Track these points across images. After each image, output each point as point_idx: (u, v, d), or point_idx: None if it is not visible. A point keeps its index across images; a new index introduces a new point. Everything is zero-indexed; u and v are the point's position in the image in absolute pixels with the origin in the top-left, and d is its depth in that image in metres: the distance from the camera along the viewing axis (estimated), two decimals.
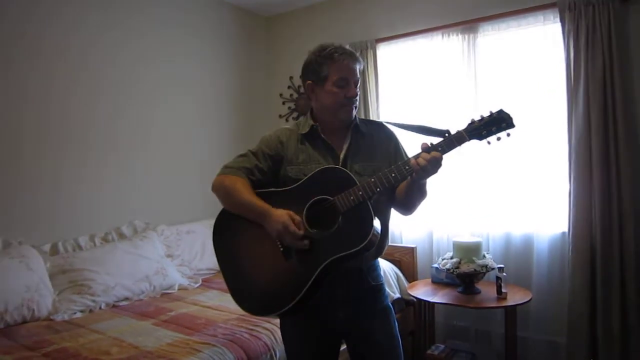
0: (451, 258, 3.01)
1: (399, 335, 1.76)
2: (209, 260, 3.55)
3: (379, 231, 1.57)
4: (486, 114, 1.53)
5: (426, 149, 1.53)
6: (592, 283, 2.87)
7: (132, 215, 3.43)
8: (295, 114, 4.36)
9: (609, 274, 2.82)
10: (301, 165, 1.69)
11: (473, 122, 1.54)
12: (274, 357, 2.29)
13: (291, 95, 4.39)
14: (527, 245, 3.21)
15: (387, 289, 1.83)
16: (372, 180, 1.53)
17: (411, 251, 3.50)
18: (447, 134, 1.55)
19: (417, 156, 1.53)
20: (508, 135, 1.53)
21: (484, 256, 2.97)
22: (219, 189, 1.72)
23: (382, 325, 1.73)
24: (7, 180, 2.84)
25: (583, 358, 2.87)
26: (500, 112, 1.53)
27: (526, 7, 3.11)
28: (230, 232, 1.73)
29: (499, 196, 3.29)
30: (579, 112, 2.90)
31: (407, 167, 1.53)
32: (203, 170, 3.86)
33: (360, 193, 1.52)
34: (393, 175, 1.53)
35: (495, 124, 1.52)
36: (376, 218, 1.55)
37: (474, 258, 2.92)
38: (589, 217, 2.88)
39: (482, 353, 3.25)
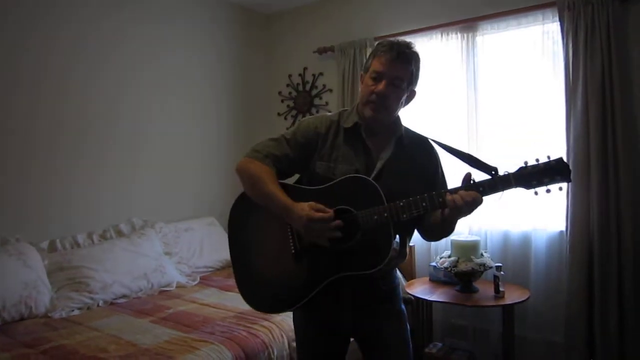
0: (449, 257, 3.01)
1: (409, 339, 1.71)
2: (208, 258, 3.55)
3: (398, 249, 1.52)
4: (542, 159, 1.41)
5: (465, 186, 1.44)
6: (590, 282, 2.88)
7: (130, 212, 3.42)
8: (294, 112, 4.35)
9: (607, 272, 2.82)
10: (331, 163, 1.60)
11: (525, 166, 1.42)
12: (272, 355, 2.30)
13: (290, 93, 4.38)
14: (525, 244, 3.21)
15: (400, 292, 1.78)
16: (401, 205, 1.46)
17: (409, 250, 3.49)
18: (493, 172, 1.44)
19: (454, 191, 1.44)
20: (560, 189, 1.40)
21: (482, 255, 2.97)
22: (244, 173, 1.62)
23: (394, 329, 1.68)
24: (5, 178, 2.84)
25: (580, 357, 2.88)
26: (560, 161, 1.39)
27: (525, 6, 3.10)
28: (246, 220, 1.69)
29: (497, 195, 3.28)
30: (577, 111, 2.91)
31: (440, 200, 1.44)
32: (202, 168, 3.89)
33: (386, 215, 1.46)
34: (424, 204, 1.45)
35: (549, 174, 1.39)
36: (397, 237, 1.50)
37: (472, 257, 2.92)
38: (587, 216, 2.88)
39: (480, 351, 3.26)
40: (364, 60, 1.65)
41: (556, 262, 3.09)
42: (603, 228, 2.83)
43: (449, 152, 1.60)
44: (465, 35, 3.39)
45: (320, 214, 1.47)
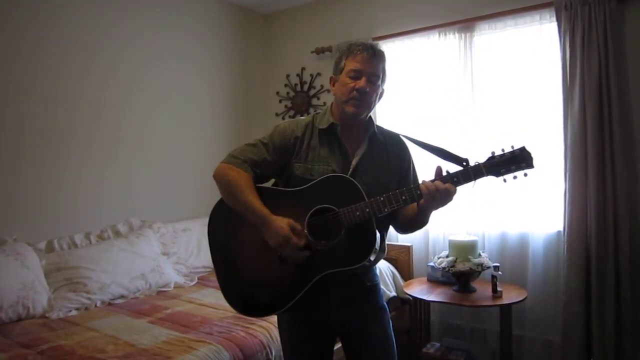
0: (447, 257, 3.01)
1: (393, 335, 1.74)
2: (205, 258, 3.54)
3: (379, 245, 1.55)
4: (507, 149, 1.50)
5: (441, 177, 1.50)
6: (587, 282, 2.88)
7: (128, 212, 3.42)
8: (292, 112, 4.35)
9: (604, 272, 2.83)
10: (309, 164, 1.64)
11: (493, 156, 1.50)
12: (270, 355, 2.30)
13: (288, 93, 4.38)
14: (523, 244, 3.22)
15: (383, 288, 1.83)
16: (382, 199, 1.50)
17: (407, 250, 3.51)
18: (465, 164, 1.51)
19: (429, 183, 1.49)
20: (525, 175, 1.49)
21: (480, 255, 2.98)
22: (221, 179, 1.64)
23: (377, 326, 1.71)
24: (3, 178, 2.83)
25: (577, 356, 2.88)
26: (522, 150, 1.49)
27: (522, 7, 3.11)
28: (227, 225, 1.69)
29: (494, 195, 3.30)
30: (574, 111, 2.91)
31: (418, 192, 1.50)
32: (200, 168, 3.87)
33: (368, 210, 1.50)
34: (403, 197, 1.50)
35: (515, 162, 1.48)
36: (378, 234, 1.53)
37: (469, 257, 2.92)
38: (584, 216, 2.89)
39: (477, 351, 3.26)
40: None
41: (553, 262, 3.10)
42: (600, 228, 2.84)
43: (420, 146, 1.65)
44: (462, 35, 3.39)
45: (295, 241, 1.50)
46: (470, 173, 1.49)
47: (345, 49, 1.68)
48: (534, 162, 1.49)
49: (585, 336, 2.88)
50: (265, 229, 1.54)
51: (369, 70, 1.61)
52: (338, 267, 1.51)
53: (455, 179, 1.49)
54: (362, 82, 1.60)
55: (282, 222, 1.52)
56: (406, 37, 3.62)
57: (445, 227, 3.44)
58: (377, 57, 1.63)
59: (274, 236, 1.52)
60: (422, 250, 3.58)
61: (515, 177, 1.50)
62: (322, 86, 4.17)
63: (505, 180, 1.51)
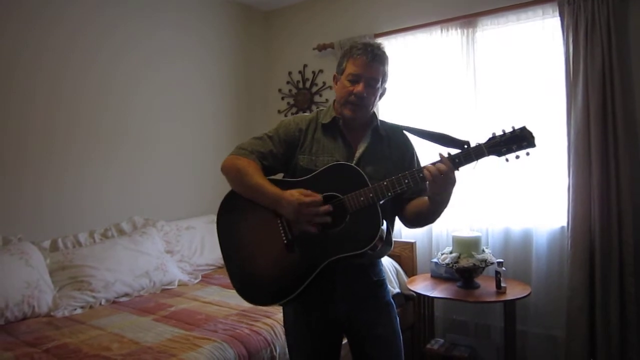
0: (450, 253, 3.01)
1: (400, 331, 1.76)
2: (209, 256, 3.56)
3: (385, 233, 1.57)
4: (508, 129, 1.50)
5: (442, 160, 1.51)
6: (591, 277, 2.88)
7: (131, 211, 3.43)
8: (294, 109, 4.35)
9: (608, 268, 2.82)
10: (313, 156, 1.68)
11: (494, 136, 1.51)
12: (274, 352, 2.30)
13: (290, 90, 4.38)
14: (526, 239, 3.21)
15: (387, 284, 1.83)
16: (384, 183, 1.52)
17: (410, 246, 3.51)
18: (466, 146, 1.52)
19: (431, 165, 1.51)
20: (527, 154, 1.48)
21: (483, 251, 2.97)
22: (230, 169, 1.68)
23: (384, 320, 1.72)
24: (7, 177, 2.84)
25: (581, 352, 2.88)
26: (523, 129, 1.49)
27: (525, 2, 3.10)
28: (235, 216, 1.71)
29: (498, 191, 3.29)
30: (578, 106, 2.90)
31: (420, 175, 1.52)
32: (202, 166, 3.89)
33: (371, 195, 1.52)
34: (406, 181, 1.52)
35: (516, 141, 1.48)
36: (384, 220, 1.54)
37: (473, 253, 2.92)
38: (588, 211, 2.88)
39: (481, 347, 3.26)
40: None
41: (557, 257, 3.10)
42: (604, 223, 2.83)
43: (421, 136, 1.67)
44: (465, 31, 3.38)
45: (311, 198, 1.53)
46: (471, 153, 1.50)
47: (347, 49, 1.71)
48: (536, 141, 1.47)
49: (589, 331, 2.88)
50: (280, 205, 1.58)
51: (368, 75, 1.63)
52: (344, 253, 1.53)
53: (457, 160, 1.50)
54: (359, 87, 1.63)
55: (292, 191, 1.56)
56: (408, 33, 3.61)
57: (449, 223, 3.43)
58: (376, 61, 1.64)
59: (289, 205, 1.54)
60: (426, 247, 3.59)
61: (517, 157, 1.49)
62: (324, 83, 4.17)
63: (507, 160, 1.50)
